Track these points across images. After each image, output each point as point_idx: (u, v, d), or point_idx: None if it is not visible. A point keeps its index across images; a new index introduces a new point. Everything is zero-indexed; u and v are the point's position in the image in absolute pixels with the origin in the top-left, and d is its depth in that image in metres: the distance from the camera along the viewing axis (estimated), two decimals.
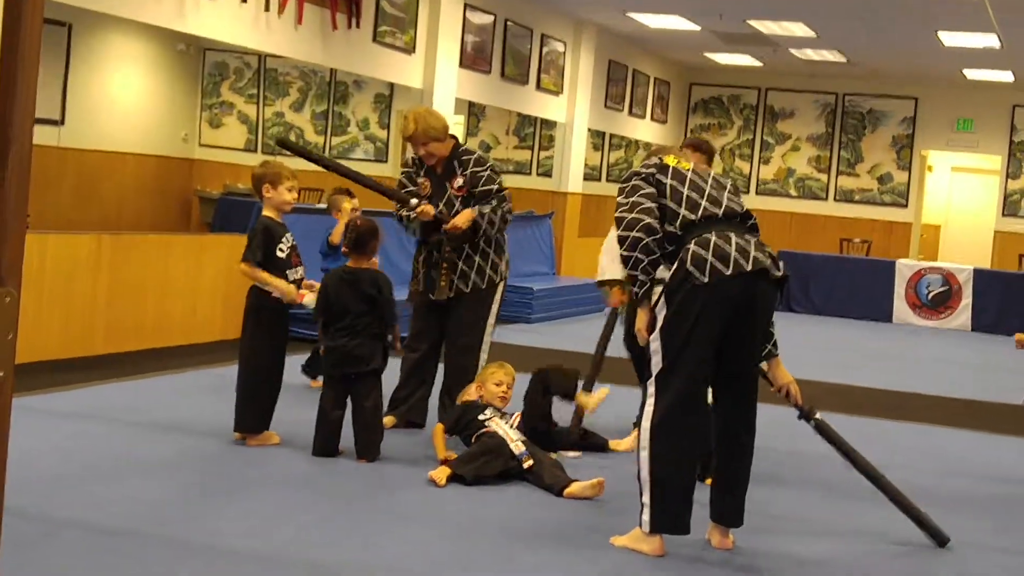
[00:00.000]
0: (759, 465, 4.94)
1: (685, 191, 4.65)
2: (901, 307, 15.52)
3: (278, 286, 5.92)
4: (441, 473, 5.42)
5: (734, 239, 4.55)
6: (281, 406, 6.04)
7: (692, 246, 4.53)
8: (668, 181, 4.68)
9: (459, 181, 6.45)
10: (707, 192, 4.67)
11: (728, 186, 4.81)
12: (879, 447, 7.14)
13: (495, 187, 6.47)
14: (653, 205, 4.64)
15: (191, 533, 4.42)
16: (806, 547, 4.93)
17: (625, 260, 4.62)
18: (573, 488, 5.33)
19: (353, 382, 5.79)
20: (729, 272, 4.48)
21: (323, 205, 9.06)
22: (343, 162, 8.46)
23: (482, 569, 4.29)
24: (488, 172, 6.49)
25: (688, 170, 4.75)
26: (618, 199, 4.73)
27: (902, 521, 5.18)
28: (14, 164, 1.49)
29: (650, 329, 4.60)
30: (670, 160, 4.78)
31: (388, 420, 6.30)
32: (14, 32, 1.47)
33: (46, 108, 13.93)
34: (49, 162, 14.00)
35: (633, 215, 4.62)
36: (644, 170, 4.75)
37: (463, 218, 6.34)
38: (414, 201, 6.39)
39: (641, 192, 4.67)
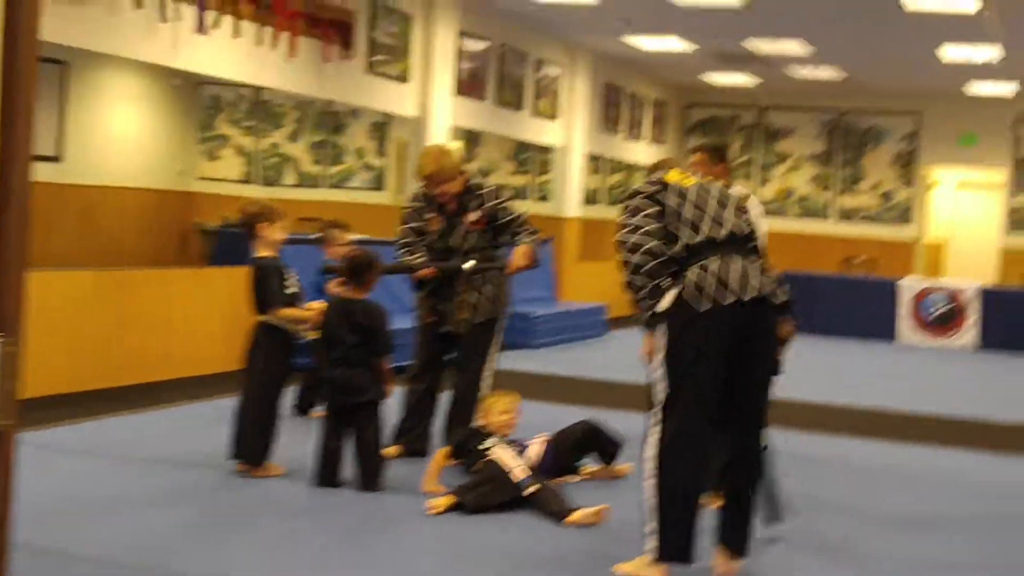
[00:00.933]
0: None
1: (686, 212, 4.59)
2: (906, 327, 15.40)
3: (305, 316, 5.99)
4: (439, 502, 5.40)
5: (733, 266, 4.51)
6: (285, 436, 6.04)
7: (691, 274, 4.50)
8: (669, 202, 4.61)
9: (473, 216, 6.54)
10: (709, 213, 4.61)
11: (732, 203, 4.73)
12: (884, 469, 7.13)
13: (515, 216, 6.63)
14: (656, 226, 4.57)
15: (197, 565, 4.42)
16: (814, 571, 4.90)
17: (628, 284, 4.58)
18: (576, 516, 5.31)
19: (352, 412, 5.79)
20: (727, 302, 4.45)
21: (314, 236, 9.03)
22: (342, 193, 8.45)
23: None
24: (505, 204, 6.63)
25: (690, 188, 4.67)
26: (620, 219, 4.68)
27: (920, 545, 5.14)
28: (14, 211, 1.49)
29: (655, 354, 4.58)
30: (672, 177, 4.71)
31: (392, 450, 6.30)
32: (11, 85, 1.47)
33: (44, 145, 13.96)
34: (48, 198, 14.01)
35: (636, 238, 4.56)
36: (646, 188, 4.69)
37: (525, 258, 6.54)
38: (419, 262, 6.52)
39: (644, 213, 4.61)
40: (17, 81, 1.50)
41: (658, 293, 4.53)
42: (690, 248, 4.54)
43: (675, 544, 4.50)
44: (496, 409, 5.99)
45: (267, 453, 5.93)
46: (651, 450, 4.52)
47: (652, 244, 4.53)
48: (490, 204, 6.57)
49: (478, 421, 6.08)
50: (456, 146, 7.72)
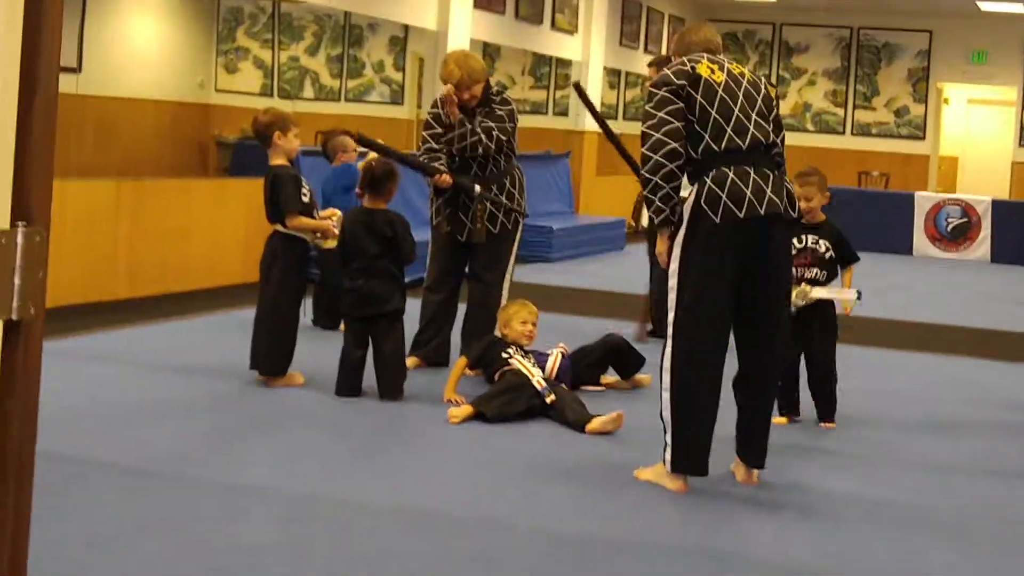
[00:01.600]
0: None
1: (713, 113, 4.50)
2: (921, 239, 15.44)
3: (320, 225, 6.02)
4: (460, 411, 5.46)
5: (752, 177, 4.47)
6: (305, 347, 6.09)
7: (709, 181, 4.47)
8: (698, 98, 4.51)
9: (480, 118, 6.45)
10: (735, 116, 4.52)
11: (760, 101, 4.62)
12: (901, 378, 7.18)
13: (496, 124, 6.42)
14: (680, 124, 4.49)
15: (216, 473, 4.48)
16: (836, 480, 4.95)
17: (645, 182, 4.53)
18: (594, 424, 5.36)
19: (373, 323, 5.83)
20: (742, 215, 4.43)
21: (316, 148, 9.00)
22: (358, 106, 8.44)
23: (507, 507, 4.33)
24: (503, 112, 6.48)
25: (721, 84, 4.55)
26: (646, 107, 4.58)
27: (940, 451, 5.20)
28: (39, 109, 1.51)
29: (669, 254, 4.58)
30: (703, 70, 4.57)
31: (411, 361, 6.33)
32: None
33: (63, 56, 13.89)
34: (68, 110, 14.00)
35: (659, 135, 4.48)
36: (675, 80, 4.53)
37: (447, 179, 6.39)
38: (437, 174, 6.45)
39: (669, 108, 4.49)
40: None
41: (672, 198, 4.50)
42: (709, 155, 4.51)
43: (690, 456, 4.55)
44: (517, 319, 6.03)
45: (286, 363, 5.98)
46: (666, 362, 4.55)
47: (672, 146, 4.47)
48: (492, 106, 6.47)
49: (498, 331, 6.12)
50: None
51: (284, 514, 4.08)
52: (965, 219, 15.24)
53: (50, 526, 3.72)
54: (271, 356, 5.96)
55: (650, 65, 7.99)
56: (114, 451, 4.68)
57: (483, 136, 6.37)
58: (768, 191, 4.49)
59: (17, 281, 1.47)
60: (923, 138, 19.15)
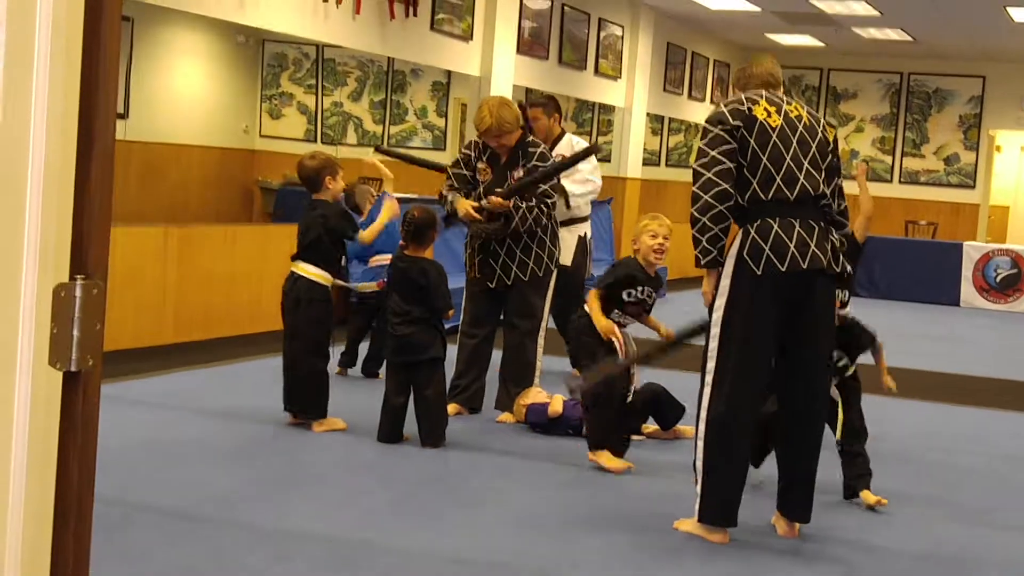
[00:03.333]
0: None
1: (764, 160, 4.47)
2: (968, 290, 15.25)
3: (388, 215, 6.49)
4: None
5: (796, 230, 4.45)
6: (347, 393, 6.11)
7: (753, 232, 4.46)
8: (752, 142, 4.47)
9: (518, 173, 6.45)
10: (786, 165, 4.48)
11: (814, 148, 4.56)
12: (947, 431, 7.10)
13: (547, 185, 6.44)
14: (732, 166, 4.46)
15: (261, 518, 4.50)
16: (877, 535, 4.91)
17: (694, 222, 4.50)
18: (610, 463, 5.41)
19: (414, 370, 5.84)
20: (783, 269, 4.42)
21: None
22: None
23: (547, 556, 4.32)
24: (549, 168, 6.48)
25: (776, 129, 4.51)
26: (700, 144, 4.54)
27: (986, 505, 5.13)
28: (98, 161, 1.53)
29: (713, 296, 4.56)
30: (759, 112, 4.53)
31: (452, 408, 6.33)
32: (96, 30, 1.50)
33: None
34: (115, 156, 14.18)
35: (710, 175, 4.45)
36: (731, 120, 4.49)
37: (498, 202, 6.36)
38: (451, 197, 6.49)
39: (722, 148, 4.46)
40: (102, 39, 1.53)
41: (720, 239, 4.49)
42: (756, 203, 4.49)
43: (718, 508, 4.54)
44: (647, 232, 5.74)
45: (326, 406, 6.01)
46: (703, 413, 4.54)
47: (723, 187, 4.44)
48: (534, 163, 6.45)
49: (531, 395, 6.24)
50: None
51: (327, 560, 4.09)
52: (1015, 270, 15.04)
53: (99, 568, 3.73)
54: (316, 400, 5.99)
55: (532, 106, 7.85)
56: (162, 494, 4.72)
57: (544, 211, 6.42)
58: (812, 245, 4.47)
59: (76, 333, 1.49)
60: (973, 187, 18.91)
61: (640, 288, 5.73)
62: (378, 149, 6.90)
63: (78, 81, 1.49)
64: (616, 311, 5.74)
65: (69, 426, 1.50)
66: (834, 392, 5.11)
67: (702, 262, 4.54)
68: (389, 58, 16.28)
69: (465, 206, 6.39)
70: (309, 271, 6.04)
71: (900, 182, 19.21)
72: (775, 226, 4.45)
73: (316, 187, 6.11)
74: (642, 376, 5.99)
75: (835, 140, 4.72)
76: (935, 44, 17.36)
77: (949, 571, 4.49)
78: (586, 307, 5.83)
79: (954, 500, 5.49)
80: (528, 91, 15.62)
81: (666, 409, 6.29)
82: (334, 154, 7.12)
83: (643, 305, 5.80)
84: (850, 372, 5.28)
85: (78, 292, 1.49)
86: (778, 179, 4.48)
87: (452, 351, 6.13)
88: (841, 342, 5.06)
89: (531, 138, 6.61)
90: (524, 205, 6.35)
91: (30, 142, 1.43)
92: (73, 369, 1.49)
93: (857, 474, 5.18)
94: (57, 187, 1.46)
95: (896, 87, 19.23)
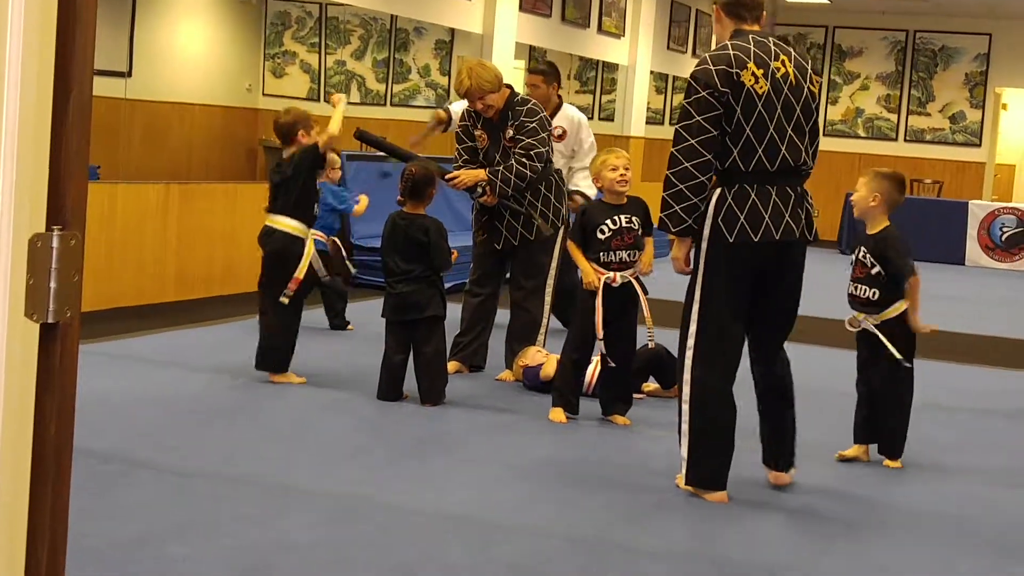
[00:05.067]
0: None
1: (747, 131, 4.41)
2: (974, 249, 15.21)
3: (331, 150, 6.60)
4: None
5: (772, 199, 4.44)
6: (347, 351, 6.11)
7: (730, 198, 4.44)
8: (738, 111, 4.40)
9: (510, 132, 6.42)
10: (768, 136, 4.43)
11: (799, 110, 4.50)
12: (950, 390, 7.09)
13: (533, 140, 6.35)
14: (716, 133, 4.39)
15: (259, 473, 4.50)
16: (881, 493, 4.91)
17: (669, 185, 4.44)
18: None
19: (413, 327, 5.83)
20: (757, 239, 4.43)
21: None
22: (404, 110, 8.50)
23: (545, 514, 4.33)
24: (535, 124, 6.39)
25: (763, 96, 4.42)
26: (684, 102, 4.47)
27: (989, 465, 5.12)
28: (74, 110, 1.51)
29: (686, 262, 4.56)
30: (747, 77, 4.42)
31: (452, 365, 6.33)
32: None
33: (113, 60, 14.05)
34: (118, 114, 14.14)
35: (694, 143, 4.38)
36: (719, 87, 4.38)
37: (469, 176, 6.36)
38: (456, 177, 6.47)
39: (708, 115, 4.38)
40: None
41: (696, 209, 4.44)
42: (734, 169, 4.45)
43: (704, 472, 4.56)
44: (606, 167, 5.61)
45: (285, 361, 6.05)
46: (686, 374, 4.56)
47: (706, 158, 4.40)
48: (521, 120, 6.38)
49: (530, 355, 6.26)
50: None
51: (326, 516, 4.09)
52: (1021, 228, 15.00)
53: (95, 524, 3.76)
54: (286, 352, 6.04)
55: (532, 73, 7.69)
56: (161, 450, 4.73)
57: (526, 164, 6.31)
58: (786, 215, 4.48)
59: (53, 285, 1.47)
60: (979, 145, 18.81)
61: (611, 220, 5.63)
62: (359, 132, 6.80)
63: (54, 27, 1.47)
64: (602, 252, 5.64)
65: (46, 379, 1.48)
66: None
67: (674, 230, 4.49)
68: (392, 16, 16.19)
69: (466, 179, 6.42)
70: (284, 223, 6.03)
71: (905, 140, 19.12)
72: (752, 194, 4.44)
73: (288, 141, 6.11)
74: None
75: (819, 92, 4.72)
76: (941, 1, 17.23)
77: (947, 530, 4.48)
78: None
79: (958, 459, 5.48)
80: (531, 48, 15.55)
81: (667, 368, 6.28)
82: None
83: (630, 233, 5.64)
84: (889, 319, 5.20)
85: (55, 243, 1.47)
86: (760, 150, 4.44)
87: (452, 310, 6.12)
88: (876, 253, 5.26)
89: (520, 96, 6.55)
90: (502, 167, 6.31)
91: (4, 91, 1.41)
92: (50, 320, 1.47)
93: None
94: (33, 136, 1.44)
95: (902, 45, 19.10)
